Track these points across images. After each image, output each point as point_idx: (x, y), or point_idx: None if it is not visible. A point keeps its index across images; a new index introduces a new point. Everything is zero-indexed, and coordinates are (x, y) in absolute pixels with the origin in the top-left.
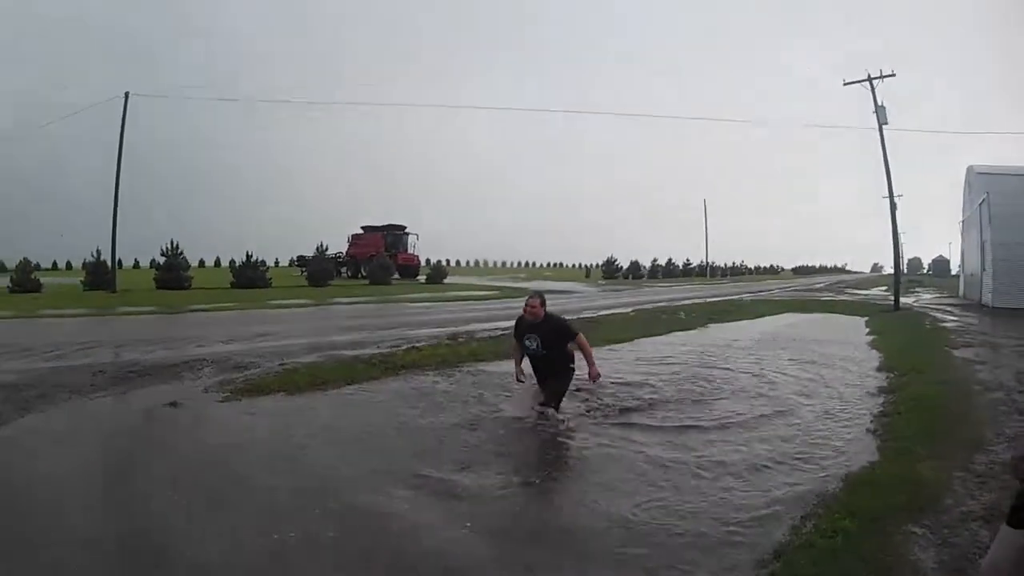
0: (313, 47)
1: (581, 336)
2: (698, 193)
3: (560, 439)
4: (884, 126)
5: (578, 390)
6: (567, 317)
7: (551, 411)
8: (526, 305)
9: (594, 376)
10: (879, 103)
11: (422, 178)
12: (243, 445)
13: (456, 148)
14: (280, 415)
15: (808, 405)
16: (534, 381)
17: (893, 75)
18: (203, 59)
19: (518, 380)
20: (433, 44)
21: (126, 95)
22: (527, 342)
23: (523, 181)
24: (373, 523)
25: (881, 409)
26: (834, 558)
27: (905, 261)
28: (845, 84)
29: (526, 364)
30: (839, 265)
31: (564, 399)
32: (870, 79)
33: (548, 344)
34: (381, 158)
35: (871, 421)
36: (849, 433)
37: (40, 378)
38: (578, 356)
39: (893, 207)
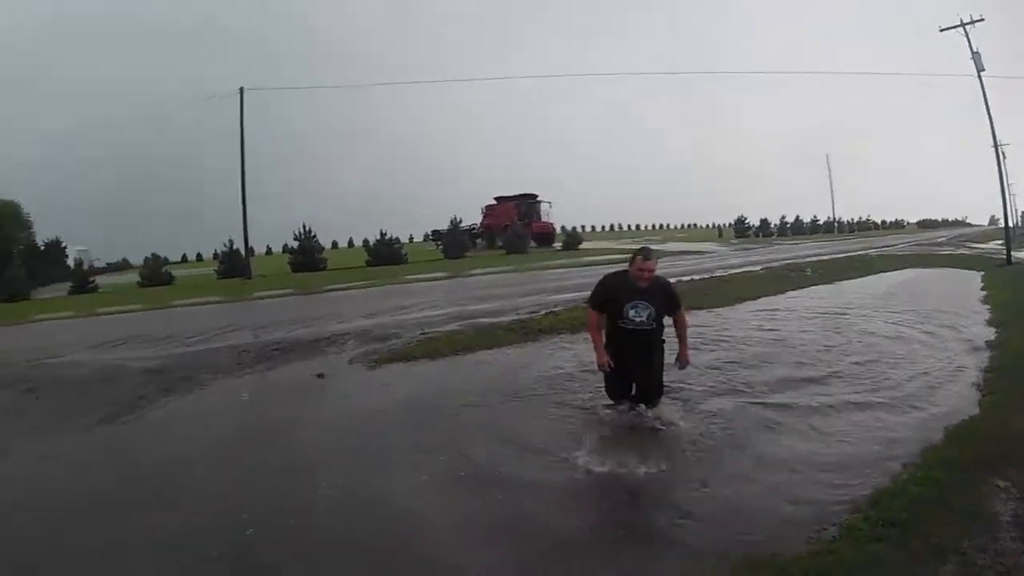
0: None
1: (683, 309)
2: (826, 148)
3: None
4: (983, 73)
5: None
6: (700, 276)
7: (657, 409)
8: (637, 266)
9: (685, 360)
10: (974, 49)
11: (555, 146)
12: (391, 404)
13: (588, 114)
14: (423, 377)
15: (917, 360)
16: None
17: (982, 20)
18: (325, 47)
19: (606, 367)
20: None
21: (240, 90)
22: (631, 313)
23: (654, 145)
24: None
25: (986, 364)
26: (924, 505)
27: (1021, 212)
28: (941, 31)
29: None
30: (960, 218)
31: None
32: (963, 24)
33: (660, 315)
34: (512, 128)
35: (976, 375)
36: (954, 387)
37: (183, 362)
38: None
39: (998, 156)
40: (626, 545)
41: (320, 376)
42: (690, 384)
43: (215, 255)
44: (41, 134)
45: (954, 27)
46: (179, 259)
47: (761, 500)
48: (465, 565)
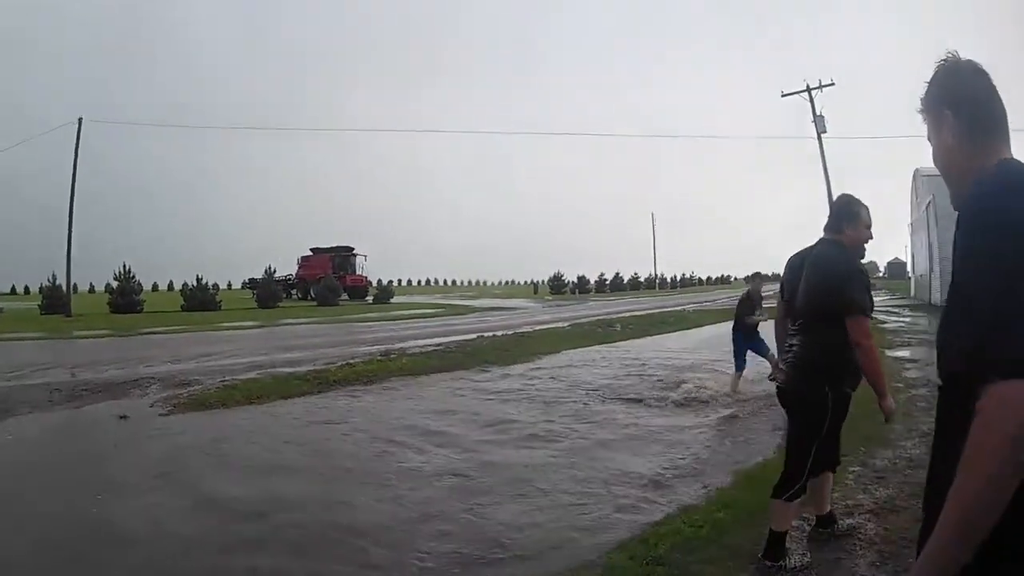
0: (265, 76)
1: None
2: (650, 208)
3: None
4: (823, 134)
5: None
6: (503, 332)
7: None
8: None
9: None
10: (818, 112)
11: (374, 201)
12: (180, 448)
13: (407, 171)
14: (215, 425)
15: (706, 411)
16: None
17: (832, 84)
18: (157, 86)
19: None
20: (384, 70)
21: (79, 120)
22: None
23: (474, 202)
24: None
25: None
26: (696, 544)
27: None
28: (784, 96)
29: None
30: None
31: None
32: (808, 89)
33: None
34: (333, 182)
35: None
36: (753, 435)
37: (1, 396)
38: None
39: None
40: None
41: (122, 417)
42: None
43: (40, 289)
44: None
45: (797, 92)
46: (9, 291)
47: None
48: None
